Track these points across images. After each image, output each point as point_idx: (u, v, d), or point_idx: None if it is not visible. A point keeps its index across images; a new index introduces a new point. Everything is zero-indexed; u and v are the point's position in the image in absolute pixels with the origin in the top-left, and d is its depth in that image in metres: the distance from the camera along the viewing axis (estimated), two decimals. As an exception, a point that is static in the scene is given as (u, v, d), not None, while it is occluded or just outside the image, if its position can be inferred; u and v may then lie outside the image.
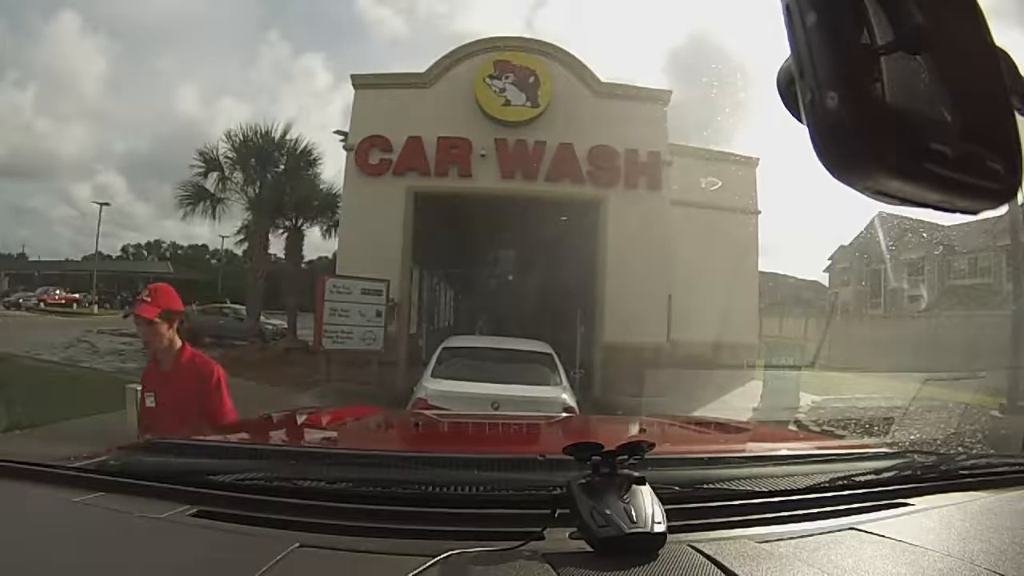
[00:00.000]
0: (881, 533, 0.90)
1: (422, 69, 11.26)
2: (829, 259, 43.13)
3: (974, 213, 0.47)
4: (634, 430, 2.01)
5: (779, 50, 0.45)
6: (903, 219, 36.43)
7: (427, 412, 4.18)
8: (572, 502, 0.79)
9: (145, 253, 67.62)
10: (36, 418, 5.70)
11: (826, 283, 45.60)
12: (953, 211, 0.47)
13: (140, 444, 1.36)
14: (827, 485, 1.08)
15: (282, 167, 14.12)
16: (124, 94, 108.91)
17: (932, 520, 1.01)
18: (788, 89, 0.46)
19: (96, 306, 32.37)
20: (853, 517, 0.98)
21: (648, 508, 0.77)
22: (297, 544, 0.81)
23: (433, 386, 5.30)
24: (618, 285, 10.58)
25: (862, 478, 1.12)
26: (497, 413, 4.52)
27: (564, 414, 4.64)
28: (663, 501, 0.80)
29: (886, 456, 1.34)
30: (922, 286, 34.62)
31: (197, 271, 51.75)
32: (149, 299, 2.40)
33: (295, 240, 15.17)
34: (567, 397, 5.30)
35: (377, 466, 1.04)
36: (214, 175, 13.86)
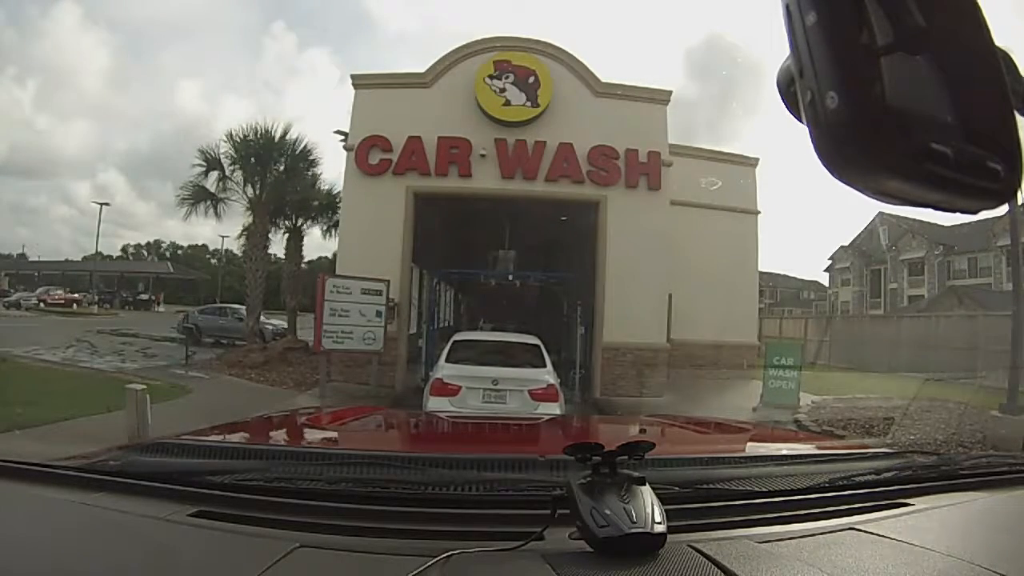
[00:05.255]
0: (881, 533, 0.90)
1: (423, 68, 11.26)
2: (829, 259, 43.23)
3: (974, 213, 0.47)
4: (634, 430, 2.01)
5: (780, 50, 0.45)
6: (903, 219, 36.38)
7: (428, 412, 4.72)
8: (572, 502, 0.79)
9: (145, 253, 67.79)
10: (36, 418, 5.71)
11: (826, 283, 45.70)
12: (953, 211, 0.47)
13: (140, 444, 1.36)
14: (827, 485, 1.08)
15: (282, 167, 14.10)
16: (126, 91, 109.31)
17: (932, 520, 1.00)
18: (788, 89, 0.46)
19: (96, 306, 32.34)
20: (853, 517, 0.98)
21: (648, 508, 0.77)
22: (297, 544, 0.81)
23: (447, 369, 6.58)
24: (618, 285, 10.56)
25: (862, 478, 1.12)
26: (496, 414, 5.41)
27: (557, 411, 5.99)
28: (663, 501, 0.80)
29: (886, 456, 1.34)
30: (922, 286, 34.63)
31: (197, 271, 51.81)
32: None
33: (295, 240, 15.16)
34: (549, 377, 6.63)
35: (377, 466, 1.04)
36: (214, 175, 13.83)
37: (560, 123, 10.77)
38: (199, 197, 13.87)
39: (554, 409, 6.14)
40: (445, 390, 6.28)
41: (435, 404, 6.20)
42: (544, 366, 6.88)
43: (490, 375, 6.40)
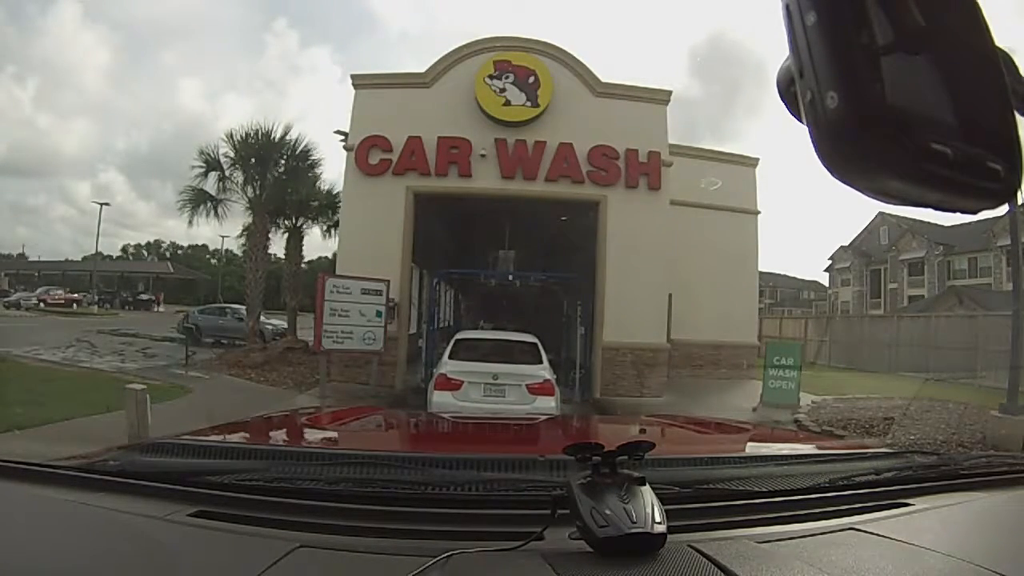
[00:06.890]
0: (881, 533, 0.90)
1: (424, 68, 11.26)
2: (829, 259, 43.24)
3: (974, 213, 0.47)
4: (634, 430, 2.01)
5: (780, 50, 0.45)
6: (903, 219, 36.38)
7: (429, 410, 5.05)
8: (572, 502, 0.79)
9: (145, 253, 67.77)
10: (36, 418, 5.71)
11: (826, 283, 45.71)
12: (953, 211, 0.47)
13: (140, 444, 1.35)
14: (827, 485, 1.08)
15: (282, 167, 14.09)
16: (126, 90, 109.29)
17: (932, 520, 1.00)
18: (788, 89, 0.46)
19: (96, 306, 32.33)
20: (853, 517, 0.98)
21: (648, 508, 0.77)
22: (297, 544, 0.81)
23: (450, 366, 7.06)
24: (618, 285, 10.55)
25: (862, 478, 1.12)
26: (496, 407, 6.02)
27: (552, 405, 6.62)
28: (663, 501, 0.80)
29: (886, 456, 1.34)
30: (922, 286, 34.64)
31: (197, 271, 51.81)
32: None
33: (295, 240, 15.15)
34: (546, 373, 7.10)
35: (377, 466, 1.04)
36: (214, 175, 13.82)
37: (560, 123, 10.76)
38: (199, 200, 13.86)
39: (550, 403, 6.67)
40: (448, 385, 6.81)
41: (439, 398, 6.74)
42: (541, 363, 7.33)
43: (490, 371, 6.90)
